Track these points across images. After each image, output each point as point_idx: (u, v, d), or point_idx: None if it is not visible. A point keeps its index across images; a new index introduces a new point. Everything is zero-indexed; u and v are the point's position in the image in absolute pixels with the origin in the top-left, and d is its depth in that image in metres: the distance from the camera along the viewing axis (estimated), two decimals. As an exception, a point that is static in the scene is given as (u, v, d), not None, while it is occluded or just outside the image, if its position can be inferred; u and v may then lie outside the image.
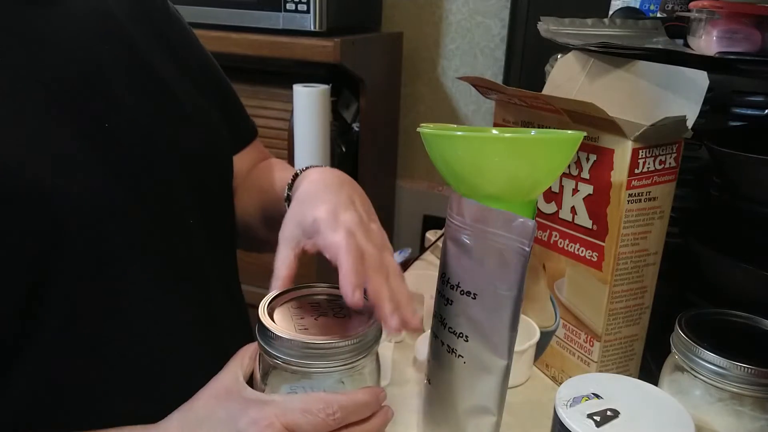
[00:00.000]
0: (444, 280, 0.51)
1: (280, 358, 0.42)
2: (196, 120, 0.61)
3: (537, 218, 0.66)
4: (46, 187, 0.45)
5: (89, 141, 0.49)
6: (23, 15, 0.49)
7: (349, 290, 0.43)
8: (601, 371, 0.63)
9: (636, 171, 0.57)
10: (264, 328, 0.43)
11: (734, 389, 0.47)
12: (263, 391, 0.44)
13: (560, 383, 0.48)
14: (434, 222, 1.85)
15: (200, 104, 0.63)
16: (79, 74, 0.51)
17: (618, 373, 0.59)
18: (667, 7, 0.83)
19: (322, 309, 0.47)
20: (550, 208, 0.66)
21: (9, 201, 0.43)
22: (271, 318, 0.44)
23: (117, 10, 0.58)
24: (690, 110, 0.59)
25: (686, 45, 0.74)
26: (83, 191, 0.47)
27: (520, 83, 1.53)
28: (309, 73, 1.61)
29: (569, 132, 0.48)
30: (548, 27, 0.71)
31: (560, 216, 0.65)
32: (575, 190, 0.62)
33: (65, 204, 0.45)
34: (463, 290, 0.49)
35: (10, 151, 0.44)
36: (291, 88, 1.51)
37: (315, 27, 1.49)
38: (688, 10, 0.73)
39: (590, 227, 0.61)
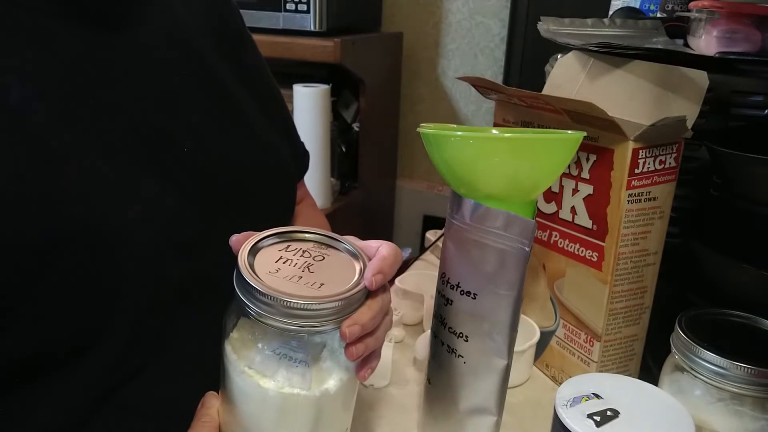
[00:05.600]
0: (444, 280, 0.51)
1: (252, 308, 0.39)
2: (271, 150, 0.61)
3: (537, 218, 0.66)
4: (110, 223, 0.44)
5: (163, 169, 0.49)
6: (95, 44, 0.48)
7: (371, 273, 0.42)
8: (601, 371, 0.63)
9: (636, 171, 0.57)
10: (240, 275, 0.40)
11: (734, 389, 0.47)
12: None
13: (560, 383, 0.48)
14: (434, 222, 1.85)
15: (272, 134, 0.63)
16: (153, 98, 0.51)
17: (618, 373, 0.59)
18: (667, 7, 0.83)
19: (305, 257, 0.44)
20: (550, 208, 0.66)
21: (70, 237, 0.42)
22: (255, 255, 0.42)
23: (192, 31, 0.57)
24: (690, 110, 0.59)
25: (686, 45, 0.74)
26: (148, 225, 0.47)
27: (520, 83, 1.53)
28: (309, 73, 1.61)
29: (569, 132, 0.48)
30: (548, 27, 0.71)
31: (560, 216, 0.65)
32: (575, 190, 0.62)
33: (129, 239, 0.45)
34: (463, 290, 0.49)
35: (76, 184, 0.43)
36: (291, 88, 1.51)
37: (315, 27, 1.49)
38: (688, 10, 0.73)
39: (590, 227, 0.61)
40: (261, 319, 0.40)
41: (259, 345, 0.42)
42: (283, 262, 0.42)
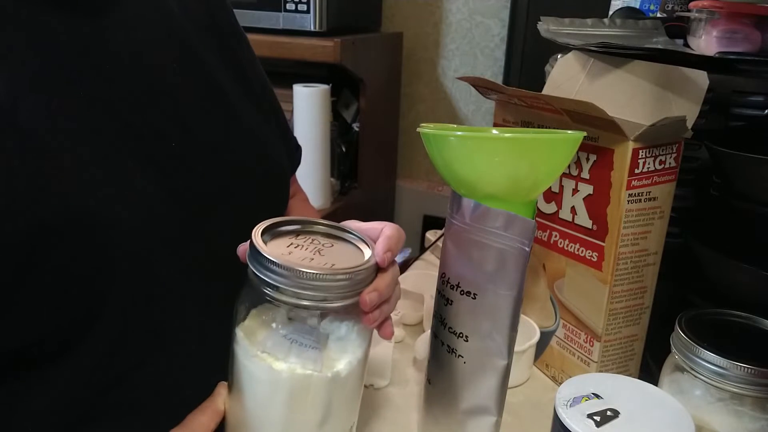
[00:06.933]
0: (444, 280, 0.51)
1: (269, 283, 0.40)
2: (265, 145, 0.61)
3: (537, 218, 0.66)
4: (101, 217, 0.44)
5: (153, 164, 0.49)
6: (88, 39, 0.48)
7: (382, 251, 0.44)
8: (601, 371, 0.63)
9: (636, 171, 0.57)
10: (256, 251, 0.41)
11: (734, 389, 0.47)
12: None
13: (560, 383, 0.48)
14: (434, 222, 1.85)
15: (265, 129, 0.63)
16: (144, 93, 0.50)
17: (618, 373, 0.59)
18: (667, 7, 0.83)
19: (314, 245, 0.46)
20: (550, 208, 0.66)
21: (61, 230, 0.42)
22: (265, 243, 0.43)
23: (187, 28, 0.57)
24: (690, 110, 0.59)
25: (686, 45, 0.74)
26: (139, 220, 0.47)
27: (520, 83, 1.53)
28: (309, 73, 1.61)
29: (569, 132, 0.48)
30: (548, 27, 0.71)
31: (560, 216, 0.65)
32: (575, 190, 0.62)
33: (119, 234, 0.45)
34: (463, 290, 0.49)
35: (67, 178, 0.43)
36: (291, 88, 1.51)
37: (315, 27, 1.49)
38: (688, 10, 0.73)
39: (590, 227, 0.61)
40: (275, 295, 0.41)
41: (273, 325, 0.43)
42: (295, 247, 0.44)
